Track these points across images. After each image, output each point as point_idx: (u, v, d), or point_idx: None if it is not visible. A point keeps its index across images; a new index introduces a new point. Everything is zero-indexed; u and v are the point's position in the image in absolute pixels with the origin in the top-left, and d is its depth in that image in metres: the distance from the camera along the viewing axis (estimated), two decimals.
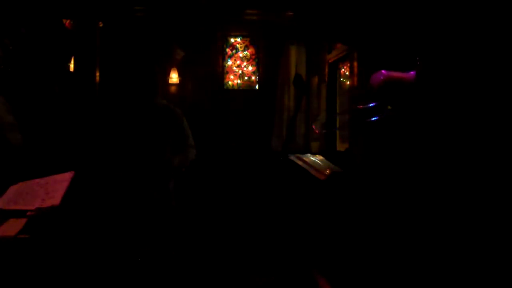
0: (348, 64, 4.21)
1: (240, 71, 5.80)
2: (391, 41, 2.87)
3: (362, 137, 2.59)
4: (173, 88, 5.54)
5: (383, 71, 2.25)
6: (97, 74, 4.87)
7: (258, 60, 5.78)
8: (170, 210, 2.78)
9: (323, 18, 4.25)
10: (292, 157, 2.74)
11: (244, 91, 5.77)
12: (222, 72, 5.74)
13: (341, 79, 4.93)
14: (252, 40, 5.80)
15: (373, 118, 2.24)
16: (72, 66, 4.90)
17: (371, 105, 2.25)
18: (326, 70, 5.04)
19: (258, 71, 5.78)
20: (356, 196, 2.44)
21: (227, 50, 5.78)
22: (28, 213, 1.32)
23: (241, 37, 5.80)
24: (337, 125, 4.77)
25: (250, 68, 5.80)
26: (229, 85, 5.79)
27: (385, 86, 2.16)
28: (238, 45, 5.80)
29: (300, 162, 2.65)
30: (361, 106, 2.35)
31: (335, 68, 4.97)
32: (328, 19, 4.05)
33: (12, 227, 1.28)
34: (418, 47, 2.14)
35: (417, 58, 2.08)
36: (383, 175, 2.32)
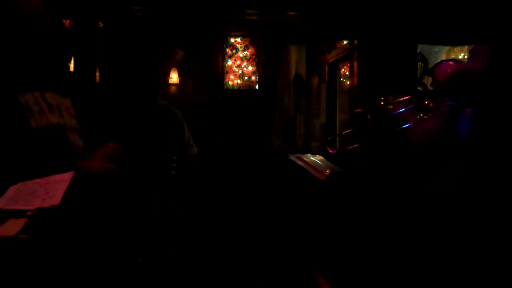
0: (348, 64, 4.21)
1: (240, 71, 5.80)
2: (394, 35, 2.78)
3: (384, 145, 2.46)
4: (173, 88, 5.54)
5: (450, 62, 1.97)
6: (97, 74, 4.87)
7: (258, 60, 5.78)
8: (169, 210, 2.78)
9: (324, 16, 4.24)
10: (292, 157, 2.73)
11: (244, 91, 5.77)
12: (222, 72, 5.74)
13: (341, 79, 4.93)
14: (252, 40, 5.80)
15: (404, 126, 2.05)
16: (72, 66, 4.90)
17: (399, 111, 2.07)
18: (326, 70, 5.04)
19: (258, 71, 5.77)
20: (356, 196, 2.44)
21: (227, 50, 5.78)
22: (28, 213, 1.31)
23: (241, 37, 5.80)
24: (337, 127, 4.77)
25: (250, 68, 5.80)
26: (229, 85, 5.79)
27: (455, 80, 1.89)
28: (238, 45, 5.80)
29: (300, 162, 2.65)
30: (359, 110, 2.26)
31: (335, 68, 4.97)
32: (330, 16, 4.02)
33: (12, 227, 1.27)
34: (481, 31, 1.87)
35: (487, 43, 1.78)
36: (387, 176, 2.29)
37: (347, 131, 2.47)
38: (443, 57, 4.98)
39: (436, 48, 5.03)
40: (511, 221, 1.69)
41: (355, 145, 2.33)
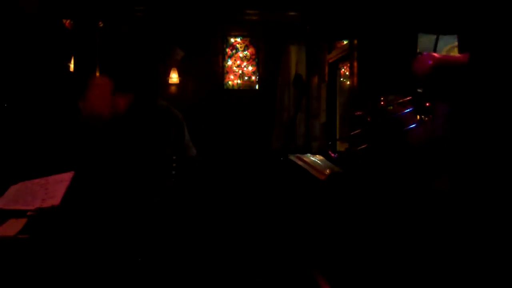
0: (348, 64, 4.20)
1: (240, 71, 5.80)
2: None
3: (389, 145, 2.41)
4: (173, 88, 5.55)
5: (433, 53, 1.80)
6: (97, 74, 4.87)
7: (258, 60, 5.78)
8: (169, 210, 2.78)
9: (324, 15, 4.23)
10: (292, 157, 2.74)
11: (244, 91, 5.77)
12: (222, 72, 5.74)
13: (341, 79, 4.93)
14: (252, 40, 5.80)
15: (411, 126, 2.02)
16: (72, 66, 4.90)
17: (405, 111, 2.04)
18: (326, 70, 5.03)
19: (258, 71, 5.78)
20: (356, 196, 2.44)
21: (227, 50, 5.78)
22: (28, 213, 1.32)
23: (241, 37, 5.80)
24: (337, 127, 4.77)
25: (250, 68, 5.80)
26: (229, 85, 5.79)
27: (436, 73, 1.75)
28: (238, 45, 5.80)
29: (300, 162, 2.65)
30: (359, 113, 2.25)
31: (335, 68, 4.97)
32: (330, 16, 4.02)
33: (12, 227, 1.28)
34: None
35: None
36: (388, 176, 2.29)
37: (348, 134, 2.47)
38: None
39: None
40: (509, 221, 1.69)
41: (362, 146, 2.33)
